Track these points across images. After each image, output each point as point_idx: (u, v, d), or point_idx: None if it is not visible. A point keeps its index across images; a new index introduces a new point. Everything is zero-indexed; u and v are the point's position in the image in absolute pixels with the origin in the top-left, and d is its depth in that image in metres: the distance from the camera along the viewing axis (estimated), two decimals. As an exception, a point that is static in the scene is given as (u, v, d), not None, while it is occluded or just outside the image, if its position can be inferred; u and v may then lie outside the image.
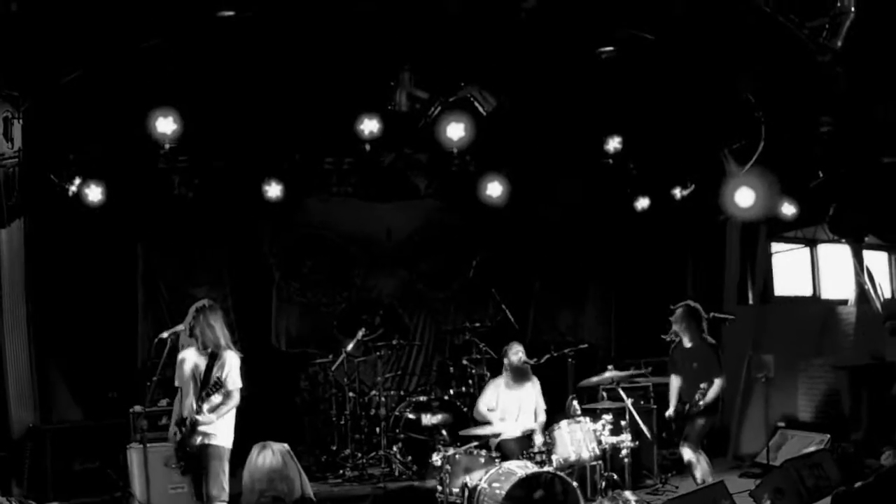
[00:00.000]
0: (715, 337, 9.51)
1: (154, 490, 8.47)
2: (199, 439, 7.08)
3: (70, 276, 10.92)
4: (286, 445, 7.50)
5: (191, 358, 7.37)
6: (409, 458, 10.45)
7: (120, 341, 11.50)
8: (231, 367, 7.23)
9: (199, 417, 7.00)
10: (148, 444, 7.98)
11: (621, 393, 9.13)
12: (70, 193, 9.89)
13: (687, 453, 8.93)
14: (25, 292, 10.17)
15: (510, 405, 9.45)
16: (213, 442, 7.14)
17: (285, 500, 5.96)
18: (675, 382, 9.39)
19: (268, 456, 6.27)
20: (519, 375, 9.45)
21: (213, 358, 7.18)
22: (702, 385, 8.81)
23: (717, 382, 8.88)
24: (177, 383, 7.49)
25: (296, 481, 6.50)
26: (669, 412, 9.32)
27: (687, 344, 9.20)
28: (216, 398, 7.13)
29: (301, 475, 7.53)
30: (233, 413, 7.31)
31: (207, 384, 7.06)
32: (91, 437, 9.97)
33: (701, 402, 8.80)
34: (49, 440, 9.77)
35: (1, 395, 9.44)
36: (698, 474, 8.85)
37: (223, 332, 7.35)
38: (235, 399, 7.25)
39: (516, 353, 9.46)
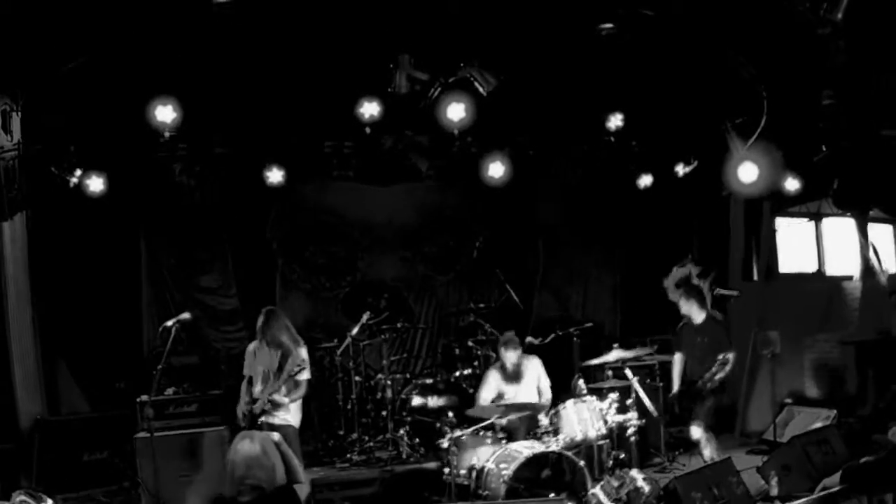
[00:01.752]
0: (720, 313, 9.51)
1: (163, 479, 8.50)
2: (278, 420, 8.16)
3: (74, 266, 10.93)
4: (275, 435, 7.67)
5: (260, 351, 8.46)
6: (416, 440, 10.46)
7: (125, 331, 11.51)
8: (302, 361, 8.26)
9: (275, 397, 8.08)
10: (155, 433, 8.04)
11: (627, 372, 9.14)
12: (71, 185, 9.85)
13: (696, 432, 8.92)
14: (30, 285, 10.19)
15: (510, 396, 9.44)
16: (292, 423, 8.32)
17: (265, 487, 6.03)
18: (678, 360, 9.39)
19: (246, 444, 6.40)
20: (514, 373, 9.42)
21: (285, 355, 8.26)
22: (720, 356, 8.78)
23: (731, 357, 8.88)
24: (246, 372, 8.52)
25: (276, 469, 6.60)
26: (674, 392, 9.33)
27: (697, 320, 9.21)
28: (286, 387, 8.16)
29: (289, 463, 7.64)
30: (300, 401, 8.42)
31: (291, 372, 8.07)
32: (99, 427, 10.01)
33: (718, 375, 8.78)
34: (57, 432, 9.80)
35: (8, 388, 9.45)
36: (707, 452, 8.84)
37: (290, 332, 8.51)
38: (303, 390, 8.37)
39: (509, 358, 9.35)
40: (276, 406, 8.10)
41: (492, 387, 9.46)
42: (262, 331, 8.39)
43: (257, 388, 8.26)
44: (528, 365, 9.52)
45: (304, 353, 8.36)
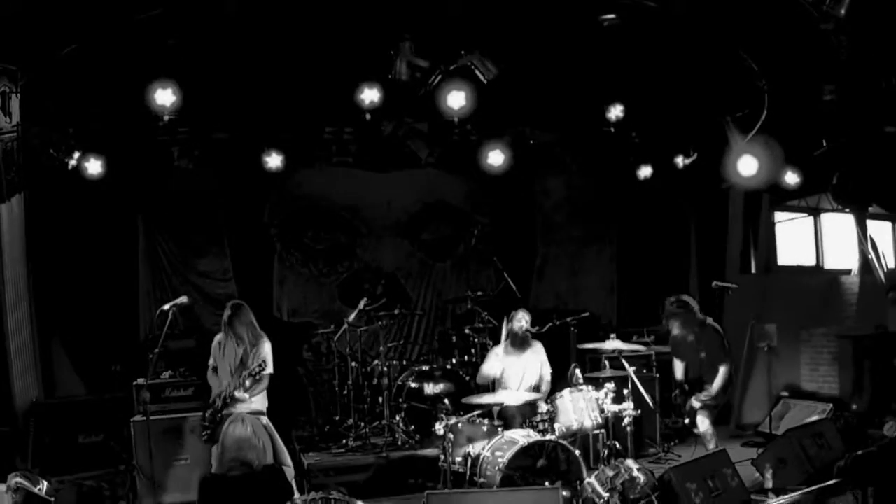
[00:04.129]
0: (718, 306, 9.51)
1: (158, 462, 8.51)
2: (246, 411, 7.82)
3: (71, 249, 10.94)
4: (264, 418, 7.81)
5: (226, 344, 8.37)
6: (412, 427, 10.44)
7: (122, 314, 11.55)
8: (265, 355, 8.16)
9: (236, 393, 7.94)
10: (151, 417, 8.04)
11: (623, 362, 9.14)
12: (70, 167, 9.84)
13: (703, 423, 8.95)
14: (27, 267, 10.17)
15: (513, 372, 9.47)
16: (260, 408, 8.23)
17: (254, 466, 6.17)
18: (679, 364, 9.41)
19: (238, 427, 6.56)
20: (520, 342, 9.47)
21: (247, 350, 8.22)
22: (716, 382, 8.90)
23: (722, 371, 8.92)
24: (211, 362, 8.48)
25: (267, 451, 6.77)
26: (676, 387, 9.36)
27: (689, 338, 9.20)
28: (249, 382, 7.95)
29: (276, 445, 7.80)
30: (265, 393, 8.34)
31: (245, 370, 7.99)
32: (94, 410, 9.98)
33: (712, 393, 8.84)
34: (52, 414, 9.79)
35: (4, 371, 9.44)
36: (711, 446, 8.88)
37: (254, 325, 8.38)
38: (265, 383, 8.23)
39: (519, 321, 9.47)
40: (236, 401, 8.00)
41: (494, 361, 9.55)
42: (228, 325, 8.30)
43: (223, 382, 8.22)
44: (534, 345, 9.58)
45: (266, 348, 8.27)
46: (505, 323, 9.68)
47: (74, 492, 8.28)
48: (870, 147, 9.98)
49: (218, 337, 8.45)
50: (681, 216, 13.61)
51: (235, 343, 8.25)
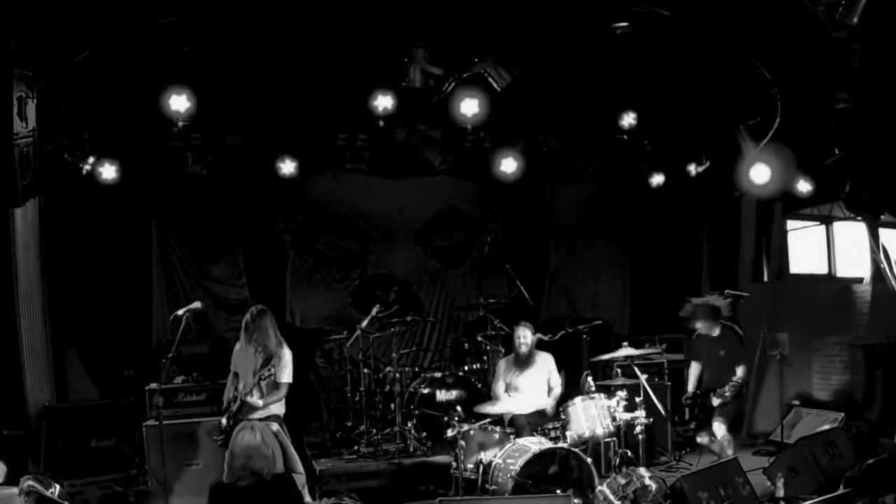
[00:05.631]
0: (730, 314, 9.50)
1: (170, 467, 8.53)
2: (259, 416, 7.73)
3: (85, 254, 10.99)
4: (274, 425, 7.79)
5: (245, 350, 8.16)
6: (424, 434, 10.45)
7: (135, 319, 11.58)
8: (285, 364, 8.05)
9: (248, 399, 7.80)
10: (164, 421, 8.06)
11: (636, 370, 9.13)
12: (84, 172, 9.89)
13: (720, 430, 8.93)
14: (41, 271, 10.21)
15: (521, 384, 9.47)
16: (276, 412, 8.06)
17: (264, 475, 6.16)
18: (695, 368, 9.41)
19: (247, 434, 6.53)
20: (523, 360, 9.49)
21: (269, 356, 7.99)
22: (734, 378, 8.85)
23: (740, 371, 8.94)
24: (232, 367, 8.26)
25: (276, 459, 6.75)
26: (688, 394, 9.34)
27: (713, 334, 9.23)
28: (265, 389, 7.94)
29: (287, 453, 7.77)
30: (282, 402, 8.16)
31: (262, 376, 7.87)
32: (107, 414, 10.01)
33: (728, 393, 8.81)
34: (65, 418, 9.82)
35: (17, 374, 9.45)
36: (730, 452, 8.86)
37: (275, 332, 8.15)
38: (283, 392, 8.08)
39: (518, 338, 9.49)
40: (251, 408, 7.85)
41: (501, 377, 9.56)
42: (247, 329, 8.11)
43: (241, 386, 8.06)
44: (540, 358, 9.57)
45: (287, 357, 8.11)
46: (515, 329, 9.69)
47: (98, 495, 8.33)
48: (882, 156, 9.95)
49: (238, 344, 8.32)
50: (693, 224, 13.59)
51: (255, 349, 8.09)
